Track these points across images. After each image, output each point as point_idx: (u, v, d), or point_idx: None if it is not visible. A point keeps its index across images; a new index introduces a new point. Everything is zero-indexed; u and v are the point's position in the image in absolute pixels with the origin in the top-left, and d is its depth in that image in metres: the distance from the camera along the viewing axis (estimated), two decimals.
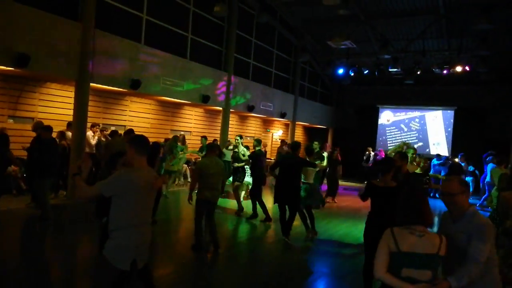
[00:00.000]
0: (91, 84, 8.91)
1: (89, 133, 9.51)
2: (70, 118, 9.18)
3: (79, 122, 8.76)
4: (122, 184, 3.02)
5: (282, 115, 17.26)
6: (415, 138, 20.40)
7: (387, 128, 21.27)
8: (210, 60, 13.15)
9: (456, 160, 12.91)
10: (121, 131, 11.20)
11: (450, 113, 19.61)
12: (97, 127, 9.76)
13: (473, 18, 11.77)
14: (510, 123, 17.48)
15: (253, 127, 17.94)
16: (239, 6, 13.78)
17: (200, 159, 6.48)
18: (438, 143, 19.81)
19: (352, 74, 17.57)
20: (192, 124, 14.28)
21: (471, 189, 12.47)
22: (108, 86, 9.62)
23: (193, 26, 12.27)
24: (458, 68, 14.91)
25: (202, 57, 12.70)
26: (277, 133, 19.62)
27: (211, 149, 6.14)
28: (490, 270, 2.52)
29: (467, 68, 15.04)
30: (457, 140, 19.10)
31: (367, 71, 17.44)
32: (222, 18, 13.13)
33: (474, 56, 15.25)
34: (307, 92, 20.21)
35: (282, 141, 15.13)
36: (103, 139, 9.69)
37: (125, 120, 11.60)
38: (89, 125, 9.46)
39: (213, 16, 12.40)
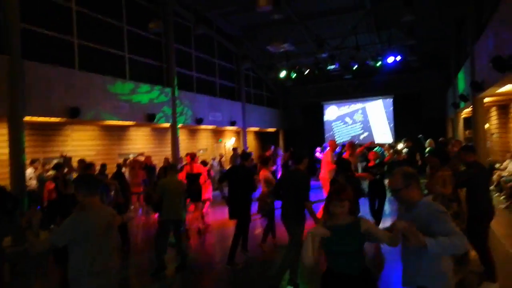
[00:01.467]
0: (26, 117, 8.41)
1: (30, 170, 8.95)
2: (5, 157, 8.59)
3: (15, 159, 8.20)
4: (75, 231, 2.85)
5: (232, 123, 17.31)
6: (360, 129, 21.33)
7: (333, 123, 22.06)
8: (152, 77, 12.91)
9: (400, 145, 13.56)
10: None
11: (389, 101, 20.75)
12: (38, 162, 9.20)
13: (397, 10, 12.56)
14: (442, 104, 18.85)
15: (204, 139, 17.82)
16: (174, 20, 13.67)
17: (161, 180, 6.38)
18: (383, 131, 20.86)
19: (294, 75, 18.07)
20: (140, 145, 13.90)
21: None
22: (45, 117, 9.13)
23: (129, 45, 11.99)
24: (390, 59, 15.81)
25: (143, 75, 12.44)
26: (230, 141, 19.64)
27: (171, 169, 6.34)
28: (439, 261, 2.46)
29: (398, 58, 15.99)
30: (399, 126, 20.23)
31: (307, 71, 17.99)
32: (158, 33, 12.95)
33: (403, 46, 16.26)
34: (254, 98, 20.45)
35: (234, 150, 15.16)
36: (45, 174, 9.18)
37: (68, 151, 11.03)
38: (29, 161, 8.91)
39: (149, 32, 12.20)
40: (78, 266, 2.89)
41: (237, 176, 6.19)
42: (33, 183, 8.92)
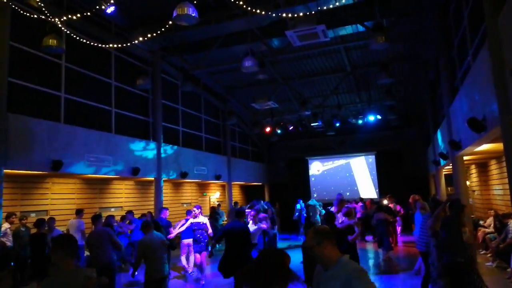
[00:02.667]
0: (5, 170, 8.20)
1: (6, 225, 8.55)
2: None
3: None
4: None
5: (217, 177, 17.23)
6: (345, 184, 21.46)
7: (318, 178, 22.19)
8: (138, 131, 12.97)
9: (385, 201, 13.66)
10: (42, 217, 10.31)
11: (372, 157, 21.17)
12: (14, 216, 8.83)
13: (375, 73, 13.29)
14: (423, 161, 19.32)
15: (188, 193, 17.57)
16: (162, 77, 14.06)
17: (141, 238, 6.17)
18: (367, 187, 21.02)
19: (279, 131, 18.47)
20: (123, 198, 13.60)
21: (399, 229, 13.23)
22: (26, 170, 8.94)
23: (117, 100, 12.16)
24: (371, 118, 16.41)
25: (129, 129, 12.50)
26: (214, 195, 19.41)
27: (147, 225, 6.10)
28: None
29: (378, 116, 16.61)
30: (382, 182, 20.48)
31: (292, 127, 18.43)
32: (146, 89, 13.24)
33: (382, 106, 16.97)
34: (239, 152, 20.61)
35: (217, 206, 15.06)
36: (22, 228, 8.80)
37: (46, 205, 10.69)
38: (4, 215, 8.55)
39: (137, 88, 12.46)
40: None
41: (234, 233, 6.02)
42: (8, 240, 8.49)
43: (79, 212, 9.88)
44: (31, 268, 7.29)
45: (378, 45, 9.03)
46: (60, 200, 11.08)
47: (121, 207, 13.33)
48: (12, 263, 8.74)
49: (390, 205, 12.89)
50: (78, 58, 10.75)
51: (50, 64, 10.01)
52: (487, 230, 10.47)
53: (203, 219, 8.78)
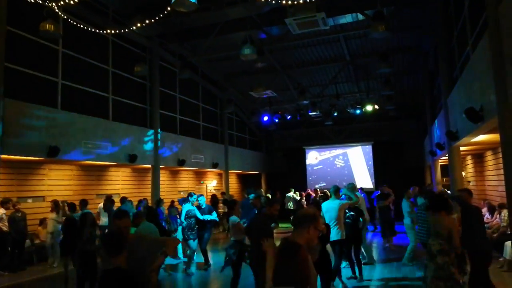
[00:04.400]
0: (1, 156, 8.17)
1: (1, 211, 8.56)
2: None
3: None
4: None
5: (214, 166, 17.26)
6: (342, 174, 21.55)
7: (315, 167, 22.27)
8: (135, 119, 12.92)
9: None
10: (39, 203, 10.34)
11: (369, 147, 21.22)
12: (10, 203, 8.82)
13: (374, 63, 13.24)
14: (420, 152, 19.40)
15: (186, 181, 17.60)
16: (160, 64, 13.96)
17: (135, 229, 6.15)
18: (363, 177, 21.12)
19: (277, 120, 18.43)
20: (120, 185, 13.61)
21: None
22: (22, 156, 8.90)
23: (114, 87, 12.08)
24: (369, 108, 16.39)
25: (126, 116, 12.45)
26: (211, 184, 19.46)
27: (139, 216, 6.06)
28: None
29: (376, 106, 16.58)
30: (379, 172, 20.57)
31: (289, 116, 18.40)
32: (143, 76, 13.15)
33: (381, 96, 16.95)
34: (237, 141, 20.60)
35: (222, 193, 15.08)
36: (17, 214, 8.84)
37: (43, 191, 10.68)
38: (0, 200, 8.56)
39: (134, 75, 12.38)
40: None
41: (257, 226, 5.61)
42: (3, 224, 8.51)
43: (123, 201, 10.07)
44: (62, 247, 7.50)
45: (378, 34, 8.96)
46: (57, 186, 11.08)
47: (118, 194, 13.33)
48: (9, 248, 8.79)
49: None
50: (75, 43, 10.64)
51: (47, 50, 9.90)
52: None
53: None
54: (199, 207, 8.78)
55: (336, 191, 6.95)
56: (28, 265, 9.12)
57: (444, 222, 4.25)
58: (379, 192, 13.85)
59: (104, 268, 2.77)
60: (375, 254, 9.61)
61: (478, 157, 13.34)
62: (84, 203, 8.53)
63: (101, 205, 10.50)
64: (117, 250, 2.80)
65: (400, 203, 9.08)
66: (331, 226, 6.35)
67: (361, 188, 16.22)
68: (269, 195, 12.38)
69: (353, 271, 7.22)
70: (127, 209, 7.05)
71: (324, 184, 20.83)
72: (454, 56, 9.93)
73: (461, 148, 10.52)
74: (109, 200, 9.19)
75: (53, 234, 9.18)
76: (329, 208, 6.71)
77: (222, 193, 16.60)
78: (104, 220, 10.31)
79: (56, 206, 9.18)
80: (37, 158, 9.44)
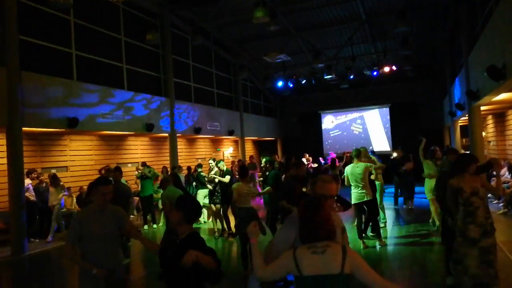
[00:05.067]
0: (24, 128, 8.41)
1: (27, 181, 8.91)
2: (3, 167, 8.58)
3: (15, 170, 8.16)
4: None
5: (230, 133, 17.36)
6: (358, 137, 21.41)
7: (331, 132, 22.15)
8: (150, 88, 12.98)
9: (395, 154, 13.38)
10: (63, 173, 10.70)
11: (386, 110, 20.86)
12: (35, 173, 9.17)
13: (391, 21, 12.75)
14: (438, 113, 19.00)
15: (202, 149, 17.84)
16: (171, 31, 13.79)
17: (162, 192, 6.38)
18: (380, 140, 20.93)
19: (291, 85, 18.20)
20: (139, 154, 13.90)
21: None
22: (43, 128, 9.14)
23: (127, 56, 12.07)
24: (386, 69, 15.99)
25: (141, 85, 12.50)
26: (228, 150, 19.66)
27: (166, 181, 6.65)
28: None
29: (394, 67, 16.16)
30: (396, 134, 20.32)
31: (304, 80, 18.13)
32: (156, 45, 13.06)
33: (398, 56, 16.45)
34: (251, 107, 20.55)
35: (239, 161, 15.12)
36: (42, 184, 9.22)
37: (66, 161, 11.04)
38: (25, 171, 8.89)
39: (147, 43, 12.30)
40: None
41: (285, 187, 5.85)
42: (31, 194, 8.90)
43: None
44: None
45: None
46: (78, 157, 11.40)
47: (138, 162, 13.64)
48: (37, 216, 9.24)
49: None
50: (86, 13, 10.58)
51: (59, 20, 9.89)
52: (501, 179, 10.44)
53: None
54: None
55: (358, 154, 7.07)
56: (57, 232, 9.58)
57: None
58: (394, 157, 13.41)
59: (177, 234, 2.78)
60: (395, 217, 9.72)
61: (499, 116, 13.00)
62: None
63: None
64: (194, 218, 2.76)
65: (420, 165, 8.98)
66: (356, 188, 6.81)
67: (373, 151, 15.84)
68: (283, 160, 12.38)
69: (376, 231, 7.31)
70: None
71: (338, 148, 20.76)
72: (476, 12, 9.46)
73: (482, 108, 10.26)
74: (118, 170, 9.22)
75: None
76: (353, 172, 6.92)
77: (239, 160, 16.72)
78: None
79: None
80: (57, 130, 9.67)
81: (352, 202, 6.63)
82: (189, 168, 12.09)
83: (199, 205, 2.83)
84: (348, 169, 7.05)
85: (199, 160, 16.92)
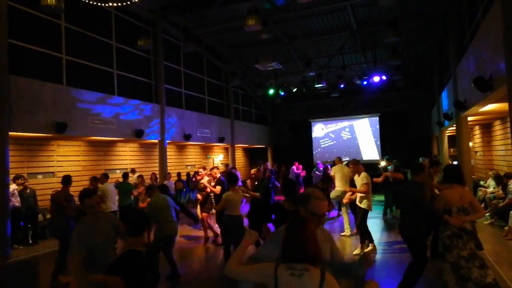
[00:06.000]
0: (10, 133, 8.27)
1: (13, 186, 8.75)
2: None
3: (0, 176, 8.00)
4: None
5: (221, 140, 17.32)
6: (348, 146, 21.55)
7: (321, 140, 22.26)
8: (140, 93, 12.90)
9: (383, 163, 13.51)
10: (50, 179, 10.54)
11: (375, 119, 21.08)
12: (22, 179, 9.01)
13: (382, 32, 12.92)
14: (427, 122, 19.25)
15: (192, 155, 17.75)
16: (163, 37, 13.78)
17: (149, 200, 6.33)
18: (370, 149, 21.09)
19: (282, 93, 18.29)
20: (128, 160, 13.78)
21: None
22: (30, 133, 9.00)
23: (118, 61, 12.00)
24: (376, 78, 16.16)
25: (131, 91, 12.43)
26: (218, 158, 19.60)
27: (152, 188, 6.50)
28: None
29: (383, 77, 16.34)
30: (385, 143, 20.52)
31: (295, 89, 18.23)
32: (147, 51, 13.03)
33: (388, 66, 16.65)
34: (242, 114, 20.56)
35: (227, 165, 15.07)
36: (27, 190, 9.07)
37: (53, 166, 10.87)
38: (12, 177, 8.73)
39: (138, 49, 12.26)
40: None
41: None
42: (16, 200, 8.73)
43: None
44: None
45: (386, 1, 8.70)
46: (66, 162, 11.25)
47: (126, 169, 13.52)
48: (22, 223, 9.05)
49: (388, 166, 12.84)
50: (77, 18, 10.51)
51: (49, 25, 9.80)
52: (488, 190, 10.59)
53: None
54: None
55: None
56: (42, 239, 9.39)
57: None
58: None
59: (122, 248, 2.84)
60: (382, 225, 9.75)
61: (486, 127, 13.21)
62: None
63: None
64: (137, 231, 2.84)
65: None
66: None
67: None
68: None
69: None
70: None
71: (327, 156, 20.85)
72: (464, 23, 9.65)
73: (469, 118, 10.42)
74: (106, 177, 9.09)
75: None
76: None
77: (226, 165, 16.55)
78: None
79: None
80: (45, 135, 9.54)
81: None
82: (178, 174, 12.00)
83: (142, 217, 2.89)
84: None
85: (189, 168, 16.84)
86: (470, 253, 4.00)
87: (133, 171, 10.72)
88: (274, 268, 2.06)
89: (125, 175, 9.80)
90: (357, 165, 7.49)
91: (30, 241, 9.01)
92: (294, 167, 15.61)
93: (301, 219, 2.25)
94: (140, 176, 10.92)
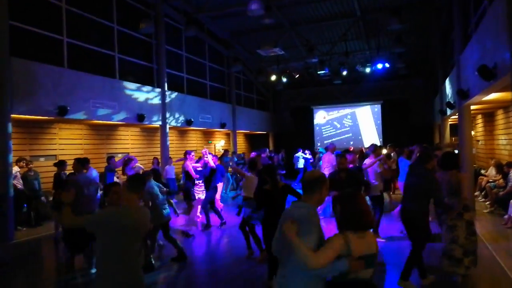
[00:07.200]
0: (12, 115, 8.28)
1: (16, 169, 8.80)
2: None
3: (1, 159, 8.02)
4: (102, 222, 2.87)
5: (222, 126, 17.32)
6: (349, 133, 21.54)
7: (322, 127, 22.24)
8: (142, 78, 12.85)
9: (384, 151, 13.45)
10: (52, 162, 10.58)
11: (378, 107, 21.02)
12: (23, 161, 9.06)
13: (385, 19, 12.77)
14: (429, 111, 19.18)
15: (194, 141, 17.78)
16: (165, 21, 13.65)
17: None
18: (371, 136, 21.09)
19: (284, 79, 18.18)
20: (129, 144, 13.81)
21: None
22: (32, 115, 9.00)
23: (120, 45, 11.92)
24: (379, 65, 16.03)
25: (133, 75, 12.38)
26: (219, 143, 19.63)
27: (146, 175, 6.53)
28: None
29: (386, 65, 16.21)
30: (387, 131, 20.50)
31: (298, 75, 18.11)
32: (149, 34, 12.92)
33: (391, 54, 16.51)
34: (244, 100, 20.50)
35: (225, 151, 15.11)
36: (30, 173, 9.12)
37: (55, 149, 10.91)
38: (14, 159, 8.78)
39: (140, 33, 12.16)
40: (99, 263, 2.93)
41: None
42: (18, 182, 8.80)
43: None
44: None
45: None
46: (68, 146, 11.28)
47: (128, 153, 13.58)
48: (25, 205, 9.14)
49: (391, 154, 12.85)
50: (78, 0, 10.40)
51: (50, 7, 9.71)
52: (489, 179, 10.62)
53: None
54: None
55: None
56: (45, 220, 9.49)
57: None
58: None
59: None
60: None
61: (488, 116, 13.17)
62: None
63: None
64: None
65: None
66: None
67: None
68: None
69: None
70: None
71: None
72: (469, 11, 9.52)
73: (472, 107, 10.36)
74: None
75: None
76: None
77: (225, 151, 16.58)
78: None
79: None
80: (47, 118, 9.55)
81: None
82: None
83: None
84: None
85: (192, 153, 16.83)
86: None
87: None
88: (343, 238, 2.41)
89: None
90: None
91: (33, 223, 9.11)
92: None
93: (352, 193, 2.65)
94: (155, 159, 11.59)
